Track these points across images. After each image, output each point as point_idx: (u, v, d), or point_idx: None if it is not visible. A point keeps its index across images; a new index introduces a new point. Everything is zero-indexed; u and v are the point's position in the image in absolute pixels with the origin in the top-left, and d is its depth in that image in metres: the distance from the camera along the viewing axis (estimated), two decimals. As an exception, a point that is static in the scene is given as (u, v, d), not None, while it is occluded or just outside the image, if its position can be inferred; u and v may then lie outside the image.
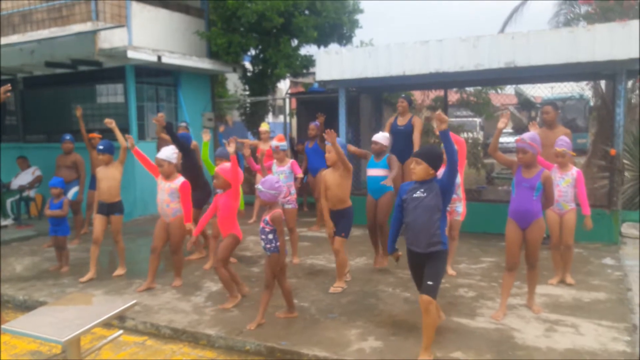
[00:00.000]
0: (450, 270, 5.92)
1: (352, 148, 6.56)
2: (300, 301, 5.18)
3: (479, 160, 12.93)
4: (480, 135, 19.79)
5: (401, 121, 7.88)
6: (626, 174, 8.82)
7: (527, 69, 7.58)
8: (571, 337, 4.26)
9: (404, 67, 8.27)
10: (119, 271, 6.38)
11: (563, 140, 5.54)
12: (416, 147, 7.37)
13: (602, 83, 11.65)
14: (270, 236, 4.51)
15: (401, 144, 7.64)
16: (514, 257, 4.72)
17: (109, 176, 6.25)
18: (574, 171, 5.53)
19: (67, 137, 8.40)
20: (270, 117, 15.67)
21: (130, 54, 9.57)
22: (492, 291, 5.42)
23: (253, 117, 12.82)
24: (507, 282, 4.78)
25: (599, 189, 9.39)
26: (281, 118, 17.31)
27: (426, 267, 3.95)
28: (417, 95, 14.50)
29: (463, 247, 7.19)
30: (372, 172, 6.21)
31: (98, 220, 6.32)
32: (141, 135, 10.53)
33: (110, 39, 9.72)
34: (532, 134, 4.73)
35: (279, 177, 6.58)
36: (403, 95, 7.88)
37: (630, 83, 12.42)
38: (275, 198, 4.52)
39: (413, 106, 13.57)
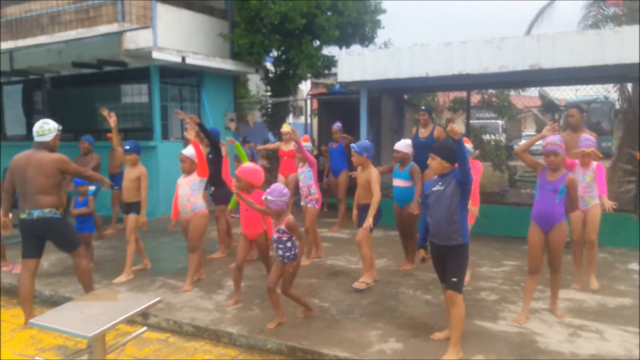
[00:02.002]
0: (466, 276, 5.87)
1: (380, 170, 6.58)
2: (321, 301, 5.20)
3: (503, 163, 12.83)
4: (502, 138, 19.60)
5: (423, 133, 7.83)
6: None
7: (552, 71, 7.49)
8: (595, 342, 4.21)
9: (427, 69, 8.23)
10: (121, 277, 6.15)
11: (590, 140, 5.45)
12: None
13: (629, 86, 11.46)
14: (289, 244, 4.51)
15: (423, 156, 7.53)
16: (536, 261, 4.67)
17: (130, 177, 6.30)
18: (594, 165, 5.44)
19: (84, 137, 8.52)
20: (291, 118, 15.71)
21: (155, 54, 9.71)
22: (514, 295, 5.37)
23: (274, 118, 12.89)
24: (529, 285, 4.73)
25: (625, 194, 9.24)
26: (302, 119, 17.37)
27: (448, 261, 4.01)
28: (439, 96, 14.46)
29: (484, 250, 7.14)
30: (396, 182, 6.26)
31: (125, 220, 6.42)
32: (165, 135, 10.68)
33: (136, 39, 9.88)
34: (558, 136, 4.69)
35: (300, 178, 6.66)
36: (423, 108, 7.81)
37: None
38: (285, 205, 4.50)
39: (434, 108, 13.57)
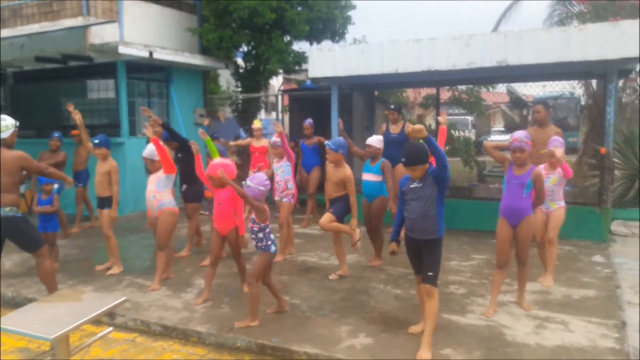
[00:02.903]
0: None
1: (354, 149, 6.59)
2: (292, 298, 5.18)
3: (472, 158, 12.99)
4: (472, 134, 19.89)
5: (394, 129, 7.84)
6: (616, 172, 8.88)
7: (519, 68, 7.61)
8: (561, 334, 4.29)
9: (397, 65, 8.26)
10: (114, 270, 6.25)
11: (558, 141, 5.51)
12: None
13: (594, 82, 11.74)
14: (260, 235, 4.51)
15: (394, 151, 7.54)
16: (504, 255, 4.74)
17: (101, 171, 6.21)
18: (559, 168, 5.52)
19: (56, 134, 8.34)
20: (262, 114, 15.60)
21: (122, 49, 9.51)
22: (482, 288, 5.44)
23: (245, 114, 12.77)
24: (497, 279, 4.80)
25: (590, 187, 9.46)
26: (274, 115, 17.26)
27: (424, 255, 4.07)
28: (410, 93, 14.57)
29: (454, 244, 7.22)
30: (366, 176, 6.26)
31: (99, 214, 6.33)
32: (132, 131, 10.48)
33: (101, 34, 9.65)
34: (525, 132, 4.75)
35: (277, 172, 6.62)
36: (392, 107, 7.80)
37: (620, 82, 12.52)
38: (263, 195, 4.51)
39: (405, 104, 13.65)
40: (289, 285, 5.55)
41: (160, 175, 5.67)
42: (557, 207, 5.54)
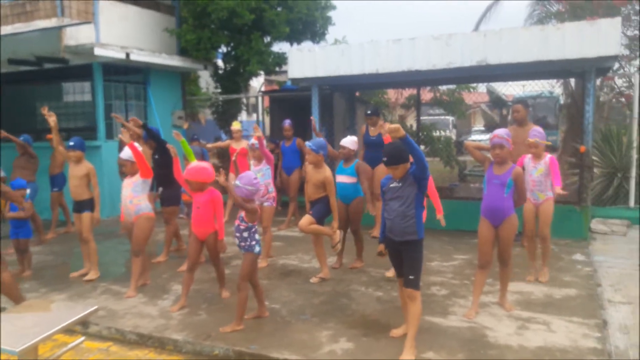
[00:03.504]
0: None
1: (328, 149, 6.52)
2: (272, 302, 5.07)
3: (453, 158, 13.01)
4: (452, 134, 19.95)
5: (373, 132, 7.73)
6: (595, 170, 8.94)
7: (499, 67, 7.61)
8: (543, 334, 4.25)
9: (377, 66, 8.22)
10: (91, 275, 6.09)
11: (536, 131, 5.55)
12: None
13: (572, 81, 11.83)
14: (245, 234, 4.42)
15: (374, 153, 7.46)
16: (486, 255, 4.69)
17: (76, 174, 6.07)
18: (547, 159, 5.51)
19: (22, 138, 8.15)
20: (244, 116, 15.46)
21: (97, 51, 9.33)
22: (464, 289, 5.40)
23: (225, 116, 12.63)
24: (479, 280, 4.75)
25: (570, 186, 9.51)
26: (255, 117, 17.13)
27: (404, 257, 4.00)
28: (391, 93, 14.53)
29: (435, 245, 7.18)
30: (341, 178, 6.16)
31: (76, 219, 6.21)
32: (109, 134, 10.28)
33: (77, 35, 9.46)
34: (506, 130, 4.72)
35: (257, 176, 6.48)
36: (369, 113, 7.68)
37: (598, 81, 12.65)
38: (253, 194, 4.40)
39: (386, 105, 13.61)
40: (269, 290, 5.44)
41: (136, 179, 5.53)
42: (545, 198, 5.54)
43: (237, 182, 4.37)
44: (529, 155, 5.57)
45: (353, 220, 6.18)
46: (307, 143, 5.69)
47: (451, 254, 6.80)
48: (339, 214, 6.22)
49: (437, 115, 19.41)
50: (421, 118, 16.35)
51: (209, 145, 9.54)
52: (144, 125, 6.63)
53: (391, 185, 4.04)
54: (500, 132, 4.59)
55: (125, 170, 5.61)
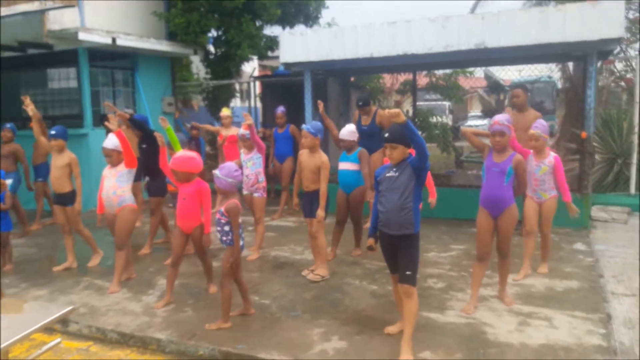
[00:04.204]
0: None
1: (335, 132, 6.29)
2: (262, 298, 4.86)
3: (449, 144, 12.76)
4: (449, 120, 19.70)
5: (365, 120, 7.45)
6: (595, 156, 8.72)
7: (497, 50, 7.35)
8: (545, 330, 4.05)
9: (371, 49, 7.94)
10: (94, 261, 6.13)
11: (539, 123, 5.29)
12: None
13: (570, 65, 11.57)
14: (227, 228, 4.19)
15: (366, 141, 7.20)
16: (485, 247, 4.48)
17: (58, 164, 5.83)
18: (551, 157, 5.25)
19: (8, 125, 7.89)
20: (237, 102, 15.12)
21: (82, 35, 8.97)
22: (462, 281, 5.19)
23: (216, 102, 12.31)
24: (477, 273, 4.54)
25: (568, 172, 9.30)
26: (248, 103, 16.80)
27: (400, 253, 3.77)
28: (387, 79, 14.24)
29: (432, 235, 6.97)
30: (343, 165, 5.96)
31: (57, 211, 6.01)
32: (96, 122, 9.95)
33: (60, 19, 9.09)
34: (506, 115, 4.48)
35: (247, 165, 6.25)
36: (360, 104, 7.38)
37: (598, 65, 12.40)
38: (233, 187, 4.17)
39: (382, 90, 13.32)
40: (259, 284, 5.23)
41: (121, 169, 5.28)
42: (549, 197, 5.31)
43: (217, 173, 4.13)
44: (531, 152, 5.28)
45: (354, 209, 5.98)
46: (304, 126, 5.44)
47: (448, 244, 6.59)
48: (339, 204, 6.01)
49: (434, 101, 19.15)
50: (417, 104, 16.08)
51: (199, 125, 9.25)
52: (131, 118, 6.38)
53: (387, 174, 3.81)
54: (501, 118, 4.34)
55: (110, 160, 5.35)
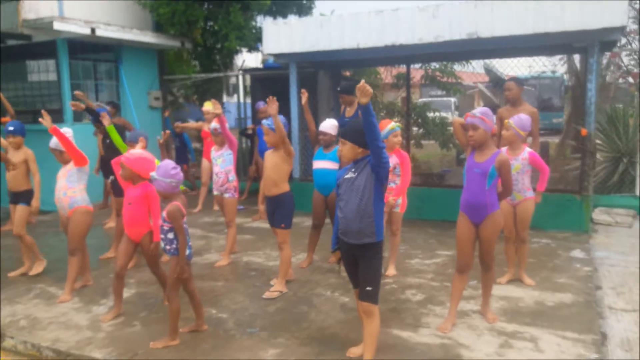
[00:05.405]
0: (391, 270, 5.23)
1: (313, 127, 5.80)
2: (220, 311, 4.41)
3: (451, 140, 12.24)
4: (454, 115, 19.15)
5: (349, 112, 6.96)
6: (598, 155, 8.20)
7: (491, 41, 6.88)
8: (528, 354, 3.58)
9: (358, 40, 7.50)
10: (36, 269, 5.58)
11: (518, 117, 4.82)
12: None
13: (577, 60, 11.05)
14: (170, 235, 3.74)
15: None
16: (466, 257, 4.02)
17: (15, 162, 5.43)
18: (525, 154, 4.77)
19: None
20: (231, 97, 14.66)
21: (57, 25, 8.55)
22: (443, 293, 4.72)
23: (204, 96, 11.86)
24: (457, 286, 4.07)
25: (570, 172, 8.80)
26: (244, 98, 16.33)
27: (360, 265, 3.34)
28: (384, 73, 13.72)
29: (419, 238, 6.51)
30: (320, 164, 5.46)
31: (12, 211, 5.62)
32: (77, 117, 9.56)
33: (37, 8, 8.68)
34: (485, 108, 3.99)
35: (217, 162, 5.83)
36: (339, 90, 6.91)
37: (604, 60, 11.83)
38: (173, 188, 3.73)
39: (376, 85, 12.79)
40: (220, 295, 4.79)
41: (70, 168, 4.87)
42: (523, 198, 4.82)
43: (153, 175, 3.69)
44: (505, 149, 4.80)
45: (332, 212, 5.48)
46: (264, 121, 5.01)
47: (435, 249, 6.12)
48: (316, 206, 5.57)
49: (439, 97, 18.61)
50: (422, 99, 15.55)
51: (180, 125, 8.84)
52: (87, 108, 5.97)
53: (346, 176, 3.37)
54: (476, 110, 3.87)
55: (59, 160, 4.95)
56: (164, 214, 3.71)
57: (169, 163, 3.76)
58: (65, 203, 4.82)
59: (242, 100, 11.46)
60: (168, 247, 3.76)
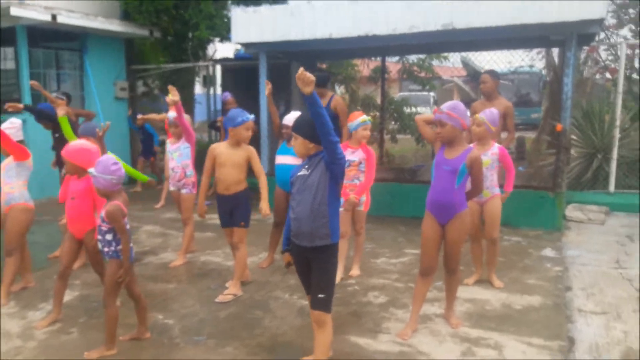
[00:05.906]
0: (355, 271, 4.98)
1: (277, 121, 5.48)
2: (166, 317, 4.11)
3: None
4: (431, 110, 18.96)
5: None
6: (572, 151, 8.04)
7: (468, 32, 6.64)
8: (491, 363, 3.36)
9: (331, 30, 7.19)
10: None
11: (489, 111, 4.58)
12: (345, 137, 6.21)
13: (555, 55, 10.89)
14: (109, 237, 3.43)
15: None
16: (430, 259, 3.77)
17: None
18: (495, 149, 4.56)
19: None
20: (199, 88, 14.22)
21: (15, 11, 8.13)
22: (407, 295, 4.48)
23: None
24: (420, 289, 3.83)
25: (544, 167, 8.64)
26: (212, 89, 15.89)
27: (313, 269, 3.08)
28: (362, 66, 13.46)
29: (388, 236, 6.28)
30: (283, 159, 5.15)
31: None
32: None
33: (-7, -7, 8.25)
34: (454, 102, 3.74)
35: (173, 156, 5.50)
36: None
37: (583, 55, 11.70)
38: (114, 185, 3.42)
39: (353, 78, 12.54)
40: (170, 298, 4.48)
41: (9, 162, 4.52)
42: (491, 195, 4.60)
43: (92, 171, 3.38)
44: (474, 144, 4.57)
45: None
46: (225, 117, 4.70)
47: (403, 247, 5.88)
48: (278, 203, 5.27)
49: (418, 91, 18.39)
50: (401, 94, 15.26)
51: (141, 117, 8.46)
52: (26, 106, 5.68)
53: (299, 173, 3.10)
54: (444, 105, 3.61)
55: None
56: (103, 213, 3.40)
57: (109, 158, 3.45)
58: (2, 199, 4.47)
59: (213, 92, 11.08)
60: (106, 249, 3.45)
